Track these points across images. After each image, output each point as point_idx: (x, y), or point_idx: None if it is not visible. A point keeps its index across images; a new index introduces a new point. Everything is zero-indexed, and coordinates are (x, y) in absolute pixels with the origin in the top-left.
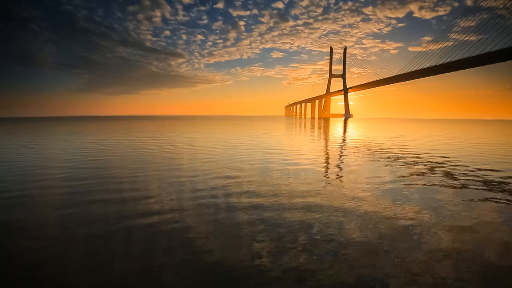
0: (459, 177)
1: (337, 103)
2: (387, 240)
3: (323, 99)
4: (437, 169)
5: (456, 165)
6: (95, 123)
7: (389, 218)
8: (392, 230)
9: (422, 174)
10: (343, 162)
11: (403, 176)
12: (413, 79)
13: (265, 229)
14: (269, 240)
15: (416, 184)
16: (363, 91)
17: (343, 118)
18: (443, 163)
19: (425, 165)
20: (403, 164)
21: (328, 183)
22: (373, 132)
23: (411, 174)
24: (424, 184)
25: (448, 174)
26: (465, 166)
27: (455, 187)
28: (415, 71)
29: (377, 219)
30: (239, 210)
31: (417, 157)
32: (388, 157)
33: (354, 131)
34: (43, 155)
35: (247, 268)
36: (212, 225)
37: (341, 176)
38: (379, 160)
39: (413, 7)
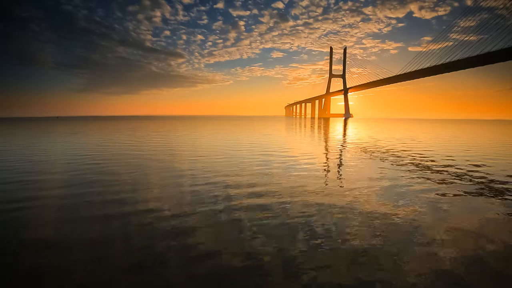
0: None
1: (337, 103)
2: None
3: (323, 99)
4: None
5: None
6: (95, 123)
7: None
8: None
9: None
10: (367, 171)
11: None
12: (413, 79)
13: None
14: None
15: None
16: (363, 91)
17: (343, 118)
18: (484, 175)
19: (461, 175)
20: (441, 175)
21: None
22: (380, 134)
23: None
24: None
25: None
26: None
27: None
28: (415, 71)
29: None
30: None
31: (447, 165)
32: (413, 164)
33: (360, 132)
34: (43, 158)
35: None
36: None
37: (380, 194)
38: (412, 170)
39: (413, 7)
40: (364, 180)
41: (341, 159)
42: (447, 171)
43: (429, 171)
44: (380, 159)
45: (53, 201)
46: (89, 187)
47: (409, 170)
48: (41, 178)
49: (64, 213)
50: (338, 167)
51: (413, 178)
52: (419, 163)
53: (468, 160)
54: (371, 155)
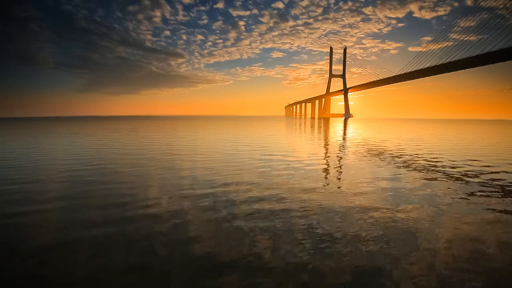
0: None
1: (337, 103)
2: None
3: (323, 99)
4: None
5: None
6: (96, 124)
7: None
8: None
9: None
10: (386, 181)
11: None
12: (413, 79)
13: None
14: None
15: None
16: (363, 91)
17: (343, 118)
18: None
19: (492, 185)
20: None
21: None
22: (384, 134)
23: None
24: None
25: None
26: None
27: None
28: (415, 71)
29: None
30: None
31: (469, 172)
32: (433, 171)
33: (364, 133)
34: (41, 164)
35: None
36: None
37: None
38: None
39: (413, 7)
40: (387, 193)
41: (352, 164)
42: (472, 180)
43: (454, 180)
44: (394, 165)
45: (51, 215)
46: (89, 198)
47: (427, 178)
48: (38, 187)
49: (63, 232)
50: (350, 176)
51: (439, 189)
52: (440, 170)
53: (489, 165)
54: (383, 159)
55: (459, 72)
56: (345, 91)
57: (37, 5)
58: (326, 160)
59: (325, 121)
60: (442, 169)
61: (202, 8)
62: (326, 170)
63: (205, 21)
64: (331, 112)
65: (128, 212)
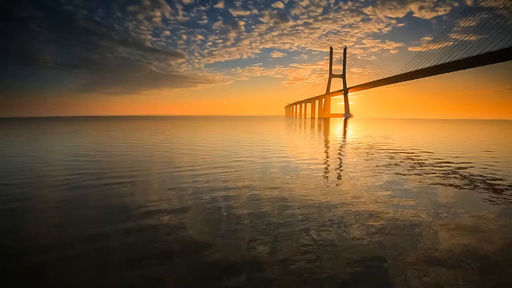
0: None
1: (337, 103)
2: None
3: (323, 99)
4: None
5: None
6: (96, 124)
7: None
8: None
9: None
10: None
11: None
12: (413, 79)
13: None
14: None
15: None
16: (363, 91)
17: (343, 118)
18: None
19: None
20: None
21: None
22: (391, 135)
23: None
24: None
25: None
26: None
27: None
28: (415, 71)
29: None
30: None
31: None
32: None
33: (369, 133)
34: (41, 164)
35: None
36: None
37: None
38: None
39: (413, 7)
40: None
41: (364, 171)
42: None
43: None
44: (412, 170)
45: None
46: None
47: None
48: (37, 193)
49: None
50: (368, 185)
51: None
52: (478, 183)
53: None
54: (403, 166)
55: (459, 72)
56: (345, 91)
57: (37, 5)
58: (330, 164)
59: (325, 121)
60: (455, 175)
61: (202, 8)
62: (335, 176)
63: (205, 21)
64: (331, 112)
65: (128, 223)
